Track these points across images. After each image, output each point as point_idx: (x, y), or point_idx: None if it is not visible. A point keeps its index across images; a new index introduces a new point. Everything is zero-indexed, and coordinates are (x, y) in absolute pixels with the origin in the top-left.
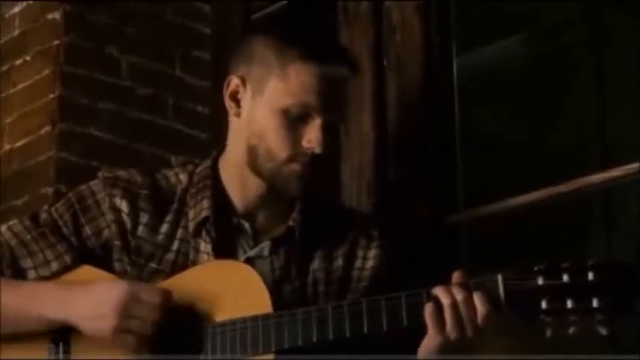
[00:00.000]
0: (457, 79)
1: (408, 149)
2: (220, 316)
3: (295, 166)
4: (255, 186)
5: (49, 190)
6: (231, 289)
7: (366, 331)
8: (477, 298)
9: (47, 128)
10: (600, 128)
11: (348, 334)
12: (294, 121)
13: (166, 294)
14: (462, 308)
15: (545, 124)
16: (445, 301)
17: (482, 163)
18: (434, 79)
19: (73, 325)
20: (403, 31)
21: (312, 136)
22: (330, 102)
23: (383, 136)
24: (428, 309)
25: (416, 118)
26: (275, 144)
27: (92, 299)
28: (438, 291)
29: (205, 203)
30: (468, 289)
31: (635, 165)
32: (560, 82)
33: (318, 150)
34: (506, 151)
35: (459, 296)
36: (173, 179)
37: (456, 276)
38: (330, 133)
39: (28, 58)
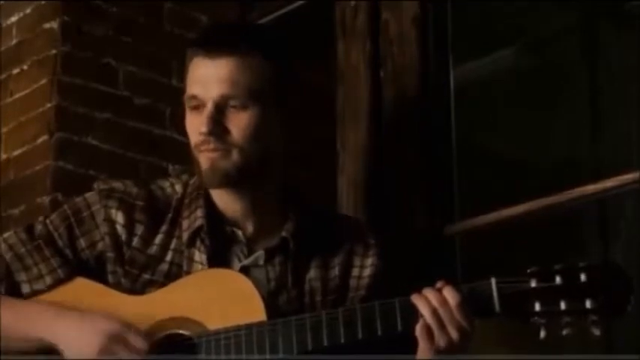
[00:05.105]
0: (453, 90)
1: (404, 160)
2: (214, 325)
3: (203, 155)
4: (231, 193)
5: (46, 199)
6: (225, 298)
7: (360, 337)
8: (446, 293)
9: (44, 137)
10: (593, 139)
11: (342, 341)
12: (194, 110)
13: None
14: (442, 312)
15: (539, 135)
16: (425, 312)
17: (478, 173)
18: (430, 90)
19: (59, 348)
20: (400, 43)
21: (202, 120)
22: (218, 87)
23: (379, 148)
24: (418, 325)
25: (412, 130)
26: (189, 135)
27: (81, 329)
28: (417, 302)
29: (199, 212)
30: (439, 291)
31: (629, 176)
32: (555, 94)
33: (203, 129)
34: (502, 162)
35: (435, 302)
36: (169, 190)
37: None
38: (224, 116)
39: (25, 68)
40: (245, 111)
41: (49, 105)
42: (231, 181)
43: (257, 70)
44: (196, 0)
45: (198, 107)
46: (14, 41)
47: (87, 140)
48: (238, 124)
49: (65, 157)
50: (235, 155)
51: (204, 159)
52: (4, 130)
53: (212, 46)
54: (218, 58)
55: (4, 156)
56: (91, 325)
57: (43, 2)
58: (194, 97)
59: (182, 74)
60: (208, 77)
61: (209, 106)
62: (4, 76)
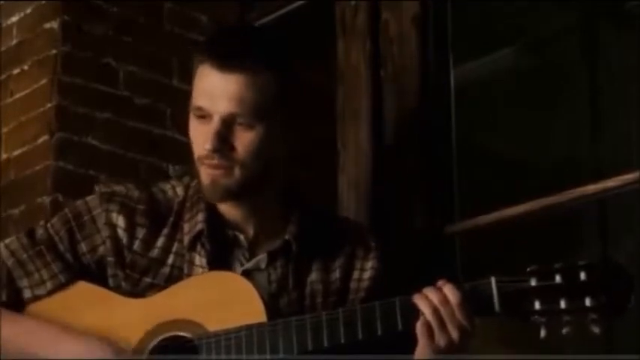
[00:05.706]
0: (453, 90)
1: (404, 160)
2: (215, 327)
3: (204, 169)
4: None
5: (47, 200)
6: (226, 300)
7: (360, 337)
8: (447, 292)
9: (44, 137)
10: (593, 139)
11: (342, 341)
12: (200, 119)
13: None
14: (442, 311)
15: (539, 135)
16: (426, 310)
17: (478, 173)
18: (430, 90)
19: None
20: (400, 42)
21: (207, 135)
22: (227, 104)
23: (379, 148)
24: (419, 323)
25: (412, 129)
26: (193, 145)
27: (78, 353)
28: (417, 301)
29: (200, 216)
30: (440, 290)
31: (629, 175)
32: (555, 94)
33: (207, 146)
34: (502, 162)
35: (435, 300)
36: (170, 193)
37: (439, 285)
38: (230, 133)
39: (25, 68)
40: (251, 130)
41: (49, 105)
42: (232, 196)
43: (264, 85)
44: (196, 0)
45: (204, 117)
46: (14, 41)
47: (87, 140)
48: (244, 141)
49: (65, 157)
50: (237, 172)
51: (205, 174)
52: (5, 130)
53: (220, 58)
54: (227, 73)
55: (4, 156)
56: (86, 351)
57: (43, 2)
58: (200, 108)
59: (183, 74)
60: (216, 91)
61: (215, 121)
62: (4, 76)
